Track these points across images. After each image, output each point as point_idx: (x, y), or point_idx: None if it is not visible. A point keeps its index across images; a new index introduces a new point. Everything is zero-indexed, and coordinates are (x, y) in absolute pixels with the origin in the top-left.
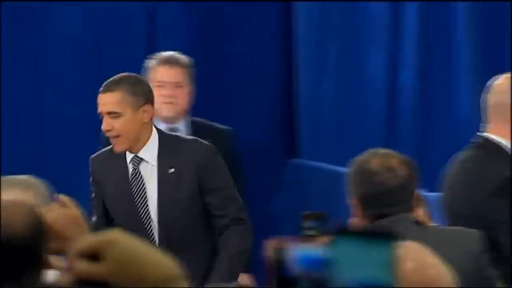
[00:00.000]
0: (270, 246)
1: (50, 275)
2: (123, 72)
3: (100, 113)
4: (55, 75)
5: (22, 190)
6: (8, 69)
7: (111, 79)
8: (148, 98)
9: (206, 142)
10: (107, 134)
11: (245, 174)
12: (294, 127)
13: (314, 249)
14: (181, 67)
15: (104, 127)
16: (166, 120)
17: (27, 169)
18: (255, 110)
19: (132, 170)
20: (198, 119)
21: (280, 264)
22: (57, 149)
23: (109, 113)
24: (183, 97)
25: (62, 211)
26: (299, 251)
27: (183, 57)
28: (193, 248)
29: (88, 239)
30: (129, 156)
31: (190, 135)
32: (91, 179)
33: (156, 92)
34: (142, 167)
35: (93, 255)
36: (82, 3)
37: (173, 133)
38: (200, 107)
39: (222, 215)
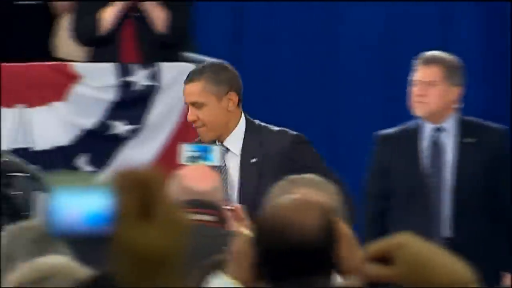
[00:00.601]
0: None
1: (338, 278)
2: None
3: (185, 104)
4: (349, 76)
5: (316, 190)
6: (306, 68)
7: (195, 68)
8: (232, 85)
9: (293, 133)
10: (194, 125)
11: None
12: None
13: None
14: (437, 66)
15: (189, 117)
16: (428, 118)
17: None
18: None
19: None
20: (470, 118)
21: None
22: (351, 150)
23: (193, 103)
24: (434, 96)
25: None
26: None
27: (444, 56)
28: None
29: (379, 243)
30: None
31: (457, 133)
32: None
33: (412, 90)
34: (227, 157)
35: (385, 259)
36: (381, 3)
37: (262, 123)
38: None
39: None
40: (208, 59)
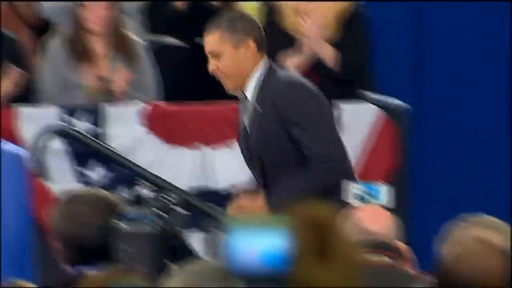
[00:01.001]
0: None
1: None
2: None
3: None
4: None
5: (496, 232)
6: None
7: (214, 19)
8: (249, 33)
9: (295, 80)
10: (216, 75)
11: None
12: None
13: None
14: None
15: (210, 68)
16: None
17: None
18: None
19: (240, 107)
20: None
21: None
22: None
23: (211, 53)
24: None
25: None
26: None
27: None
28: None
29: None
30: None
31: None
32: None
33: None
34: (246, 104)
35: None
36: None
37: (283, 70)
38: None
39: (307, 151)
40: (386, 99)
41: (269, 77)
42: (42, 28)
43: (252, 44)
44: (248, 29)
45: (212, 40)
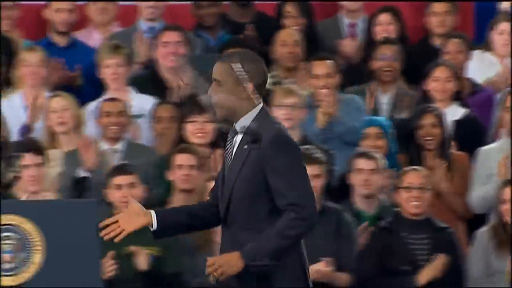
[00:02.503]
0: None
1: None
2: None
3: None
4: None
5: None
6: None
7: (230, 51)
8: (252, 77)
9: (278, 135)
10: (211, 100)
11: None
12: None
13: None
14: None
15: (209, 92)
16: None
17: None
18: None
19: (228, 141)
20: None
21: None
22: None
23: (215, 79)
24: None
25: None
26: None
27: None
28: (250, 227)
29: None
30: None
31: None
32: None
33: None
34: (236, 139)
35: None
36: None
37: (275, 121)
38: None
39: (280, 199)
40: None
41: (261, 121)
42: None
43: (251, 87)
44: (253, 73)
45: (220, 69)
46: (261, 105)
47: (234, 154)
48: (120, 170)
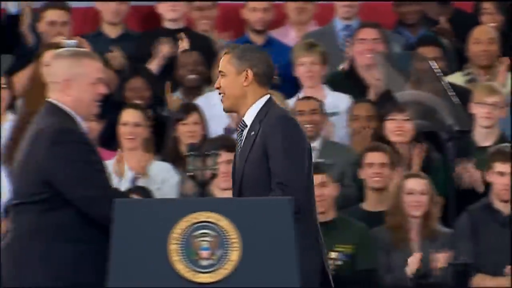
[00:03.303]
0: None
1: None
2: None
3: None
4: None
5: None
6: None
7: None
8: (252, 65)
9: (279, 120)
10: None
11: None
12: None
13: None
14: None
15: (215, 84)
16: None
17: None
18: None
19: (238, 133)
20: None
21: None
22: None
23: (219, 71)
24: None
25: None
26: None
27: None
28: None
29: None
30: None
31: None
32: None
33: None
34: (245, 131)
35: None
36: None
37: (280, 110)
38: None
39: (272, 179)
40: None
41: (267, 111)
42: None
43: (250, 75)
44: (254, 62)
45: (223, 61)
46: (267, 96)
47: (243, 142)
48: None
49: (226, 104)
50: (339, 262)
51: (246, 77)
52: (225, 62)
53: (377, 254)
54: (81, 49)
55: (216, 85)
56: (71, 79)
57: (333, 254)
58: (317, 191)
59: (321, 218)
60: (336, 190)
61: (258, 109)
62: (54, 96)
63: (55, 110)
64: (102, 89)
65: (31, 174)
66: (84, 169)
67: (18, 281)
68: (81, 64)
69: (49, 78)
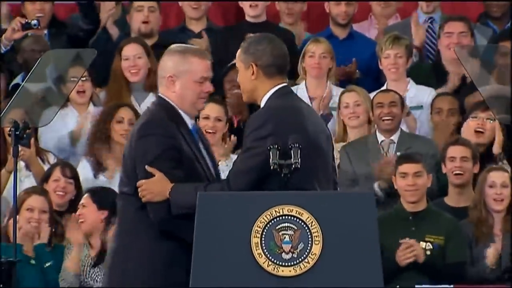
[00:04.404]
0: None
1: None
2: None
3: None
4: None
5: None
6: None
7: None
8: (256, 59)
9: (255, 114)
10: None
11: None
12: None
13: None
14: None
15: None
16: None
17: None
18: None
19: None
20: None
21: None
22: None
23: (236, 67)
24: None
25: None
26: None
27: None
28: None
29: None
30: None
31: None
32: None
33: None
34: None
35: None
36: None
37: (290, 96)
38: None
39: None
40: None
41: (272, 100)
42: None
43: (255, 69)
44: (258, 55)
45: (237, 56)
46: (279, 85)
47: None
48: (407, 158)
49: (244, 97)
50: (429, 252)
51: (252, 71)
52: (237, 58)
53: (465, 247)
54: (192, 46)
55: (236, 78)
56: (175, 75)
57: (423, 244)
58: (411, 181)
59: (413, 208)
60: (429, 181)
61: (266, 100)
62: (162, 91)
63: (162, 104)
64: (208, 87)
65: (129, 166)
66: (157, 164)
67: (120, 278)
68: (187, 61)
69: (158, 72)
